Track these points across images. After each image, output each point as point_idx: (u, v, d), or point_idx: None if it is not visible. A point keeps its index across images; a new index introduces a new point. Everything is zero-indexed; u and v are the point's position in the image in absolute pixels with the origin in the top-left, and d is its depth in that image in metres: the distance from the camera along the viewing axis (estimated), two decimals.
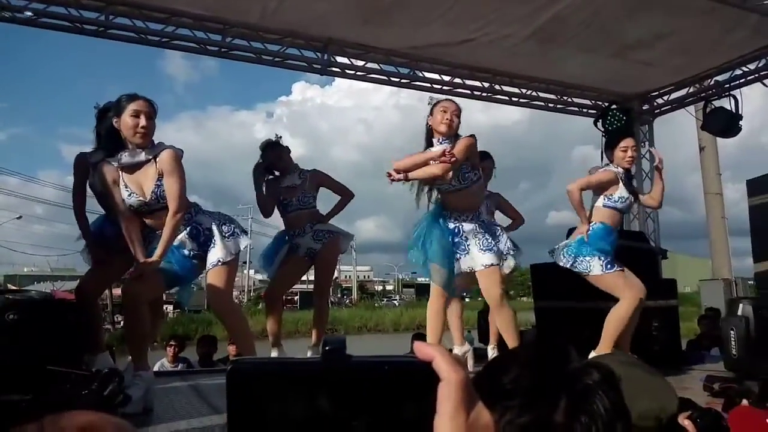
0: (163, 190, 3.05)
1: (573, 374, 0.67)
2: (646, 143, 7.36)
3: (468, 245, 3.84)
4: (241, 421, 0.41)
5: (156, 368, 3.84)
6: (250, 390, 0.41)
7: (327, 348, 0.43)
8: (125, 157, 3.06)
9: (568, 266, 3.92)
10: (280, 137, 4.55)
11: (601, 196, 4.01)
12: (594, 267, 3.86)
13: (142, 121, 3.00)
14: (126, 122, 3.00)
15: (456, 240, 3.86)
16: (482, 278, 3.83)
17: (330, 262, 4.53)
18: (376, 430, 0.42)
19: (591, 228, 3.92)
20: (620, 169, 4.03)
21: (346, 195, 4.53)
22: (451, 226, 3.87)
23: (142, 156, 3.06)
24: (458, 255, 3.87)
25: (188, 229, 3.20)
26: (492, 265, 3.79)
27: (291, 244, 4.39)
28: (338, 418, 0.41)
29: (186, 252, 3.20)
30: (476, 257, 3.82)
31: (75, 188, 3.74)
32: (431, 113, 3.80)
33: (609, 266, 3.84)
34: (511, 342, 3.81)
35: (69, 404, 2.07)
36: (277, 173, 4.50)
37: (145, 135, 3.03)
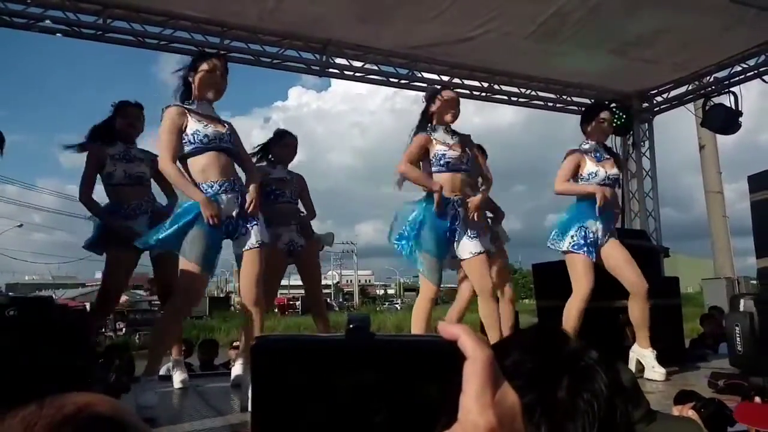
0: (234, 139, 3.26)
1: (572, 355, 0.69)
2: (646, 141, 7.36)
3: (460, 231, 3.71)
4: (266, 397, 0.41)
5: (163, 372, 3.85)
6: (275, 366, 0.41)
7: (351, 326, 0.42)
8: (198, 105, 3.21)
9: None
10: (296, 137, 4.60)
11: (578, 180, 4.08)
12: (564, 244, 3.93)
13: (216, 77, 3.21)
14: (201, 76, 3.19)
15: (453, 227, 3.71)
16: (471, 266, 3.70)
17: (315, 262, 4.57)
18: (400, 408, 0.41)
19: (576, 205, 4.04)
20: (589, 144, 4.07)
21: (311, 213, 4.58)
22: (452, 212, 3.69)
23: (215, 113, 3.28)
24: (453, 241, 3.73)
25: (238, 196, 3.22)
26: (480, 252, 3.67)
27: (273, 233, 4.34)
28: (362, 395, 0.41)
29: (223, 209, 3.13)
30: (465, 244, 3.70)
31: (86, 178, 3.84)
32: (433, 101, 3.79)
33: (575, 246, 3.88)
34: (494, 338, 3.58)
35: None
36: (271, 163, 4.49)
37: (217, 90, 3.24)
